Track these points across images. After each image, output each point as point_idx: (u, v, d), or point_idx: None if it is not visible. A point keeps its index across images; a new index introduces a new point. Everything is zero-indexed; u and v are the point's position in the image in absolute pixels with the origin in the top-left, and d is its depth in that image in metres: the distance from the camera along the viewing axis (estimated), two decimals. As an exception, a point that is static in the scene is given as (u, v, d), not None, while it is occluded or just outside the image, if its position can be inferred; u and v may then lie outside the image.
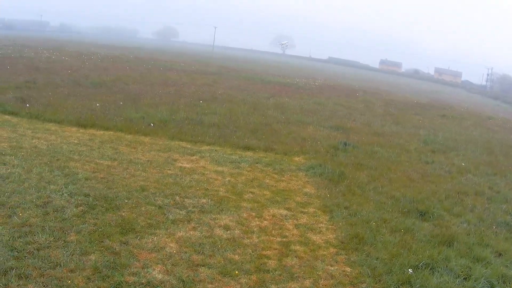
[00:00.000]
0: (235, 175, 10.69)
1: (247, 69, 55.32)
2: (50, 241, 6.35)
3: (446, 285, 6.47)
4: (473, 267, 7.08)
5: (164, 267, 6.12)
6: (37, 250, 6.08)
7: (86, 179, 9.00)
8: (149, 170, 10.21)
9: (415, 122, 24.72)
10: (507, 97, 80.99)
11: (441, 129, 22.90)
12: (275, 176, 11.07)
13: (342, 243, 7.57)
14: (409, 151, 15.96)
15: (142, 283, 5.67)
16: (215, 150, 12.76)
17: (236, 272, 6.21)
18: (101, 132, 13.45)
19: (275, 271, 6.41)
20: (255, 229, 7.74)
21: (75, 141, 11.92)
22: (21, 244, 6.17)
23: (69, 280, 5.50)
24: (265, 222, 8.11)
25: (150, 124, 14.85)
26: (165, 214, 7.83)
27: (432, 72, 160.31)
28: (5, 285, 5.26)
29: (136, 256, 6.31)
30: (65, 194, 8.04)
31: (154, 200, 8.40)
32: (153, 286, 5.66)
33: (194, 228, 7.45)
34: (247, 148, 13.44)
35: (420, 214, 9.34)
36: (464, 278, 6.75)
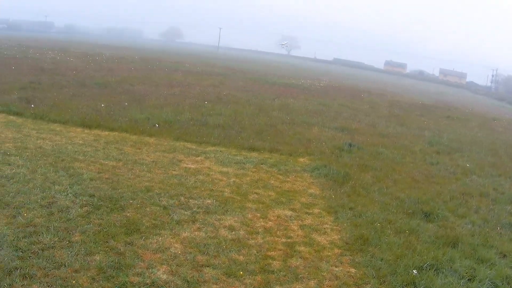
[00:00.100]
0: (240, 176, 10.69)
1: (252, 70, 55.35)
2: (55, 241, 6.37)
3: (451, 286, 6.45)
4: (478, 268, 7.05)
5: (168, 268, 6.12)
6: (42, 250, 6.10)
7: (91, 179, 9.03)
8: (154, 170, 10.22)
9: (420, 123, 24.65)
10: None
11: (446, 130, 22.84)
12: (280, 177, 11.06)
13: (347, 244, 7.56)
14: (413, 152, 15.93)
15: (147, 284, 5.67)
16: (220, 151, 12.76)
17: (241, 272, 6.21)
18: (106, 132, 13.48)
19: (280, 271, 6.40)
20: (260, 229, 7.74)
21: (80, 142, 11.95)
22: (25, 244, 6.19)
23: (74, 280, 5.51)
24: (270, 222, 8.11)
25: (155, 125, 14.87)
26: (170, 215, 7.84)
27: (437, 73, 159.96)
28: (10, 285, 5.27)
29: (141, 256, 6.32)
30: (70, 195, 8.06)
31: (159, 200, 8.41)
32: (158, 286, 5.66)
33: (199, 229, 7.45)
34: (252, 149, 13.44)
35: (425, 215, 9.31)
36: (468, 279, 6.73)
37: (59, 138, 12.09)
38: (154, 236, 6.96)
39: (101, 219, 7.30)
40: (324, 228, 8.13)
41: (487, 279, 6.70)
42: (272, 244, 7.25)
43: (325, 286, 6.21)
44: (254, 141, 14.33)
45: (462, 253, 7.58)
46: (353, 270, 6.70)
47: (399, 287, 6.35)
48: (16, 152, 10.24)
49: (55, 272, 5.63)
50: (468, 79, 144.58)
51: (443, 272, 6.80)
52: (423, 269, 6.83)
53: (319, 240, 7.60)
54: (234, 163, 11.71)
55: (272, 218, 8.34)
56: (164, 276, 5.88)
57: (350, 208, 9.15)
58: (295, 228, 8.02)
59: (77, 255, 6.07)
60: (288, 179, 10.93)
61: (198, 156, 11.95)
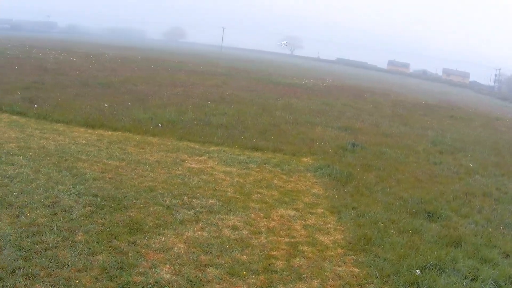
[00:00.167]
0: (243, 175, 10.70)
1: (256, 70, 55.34)
2: (58, 241, 6.37)
3: (454, 286, 6.44)
4: (481, 268, 7.04)
5: (172, 267, 6.12)
6: (45, 250, 6.11)
7: (94, 179, 9.04)
8: (157, 170, 10.23)
9: (423, 123, 24.62)
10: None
11: (449, 130, 22.81)
12: (283, 176, 11.06)
13: (350, 243, 7.55)
14: (417, 152, 15.91)
15: (150, 283, 5.67)
16: (223, 151, 12.76)
17: (244, 272, 6.21)
18: (109, 132, 13.50)
19: (283, 271, 6.40)
20: (263, 229, 7.74)
21: (83, 142, 11.97)
22: (28, 244, 6.20)
23: (77, 280, 5.52)
24: (273, 222, 8.11)
25: (158, 125, 14.88)
26: (173, 215, 7.85)
27: (440, 73, 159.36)
28: (13, 284, 5.28)
29: (144, 256, 6.32)
30: (73, 194, 8.08)
31: (162, 200, 8.41)
32: (161, 286, 5.66)
33: (202, 229, 7.46)
34: (255, 148, 13.44)
35: (428, 215, 9.30)
36: (471, 279, 6.72)
37: (62, 138, 12.12)
38: (157, 236, 6.97)
39: (104, 219, 7.31)
40: (327, 228, 8.12)
41: (490, 279, 6.69)
42: (275, 244, 7.25)
43: (328, 285, 6.20)
44: (258, 140, 14.33)
45: (465, 253, 7.57)
46: (356, 269, 6.69)
47: (402, 286, 6.34)
48: (19, 152, 10.26)
49: (58, 272, 5.63)
50: (471, 78, 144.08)
51: (446, 272, 6.79)
52: (426, 269, 6.82)
53: (322, 240, 7.59)
54: (237, 162, 11.71)
55: (275, 218, 8.33)
56: (167, 276, 5.89)
57: (353, 208, 9.15)
58: (298, 228, 8.02)
59: (80, 255, 6.07)
60: (291, 179, 10.93)
61: (201, 156, 11.96)
